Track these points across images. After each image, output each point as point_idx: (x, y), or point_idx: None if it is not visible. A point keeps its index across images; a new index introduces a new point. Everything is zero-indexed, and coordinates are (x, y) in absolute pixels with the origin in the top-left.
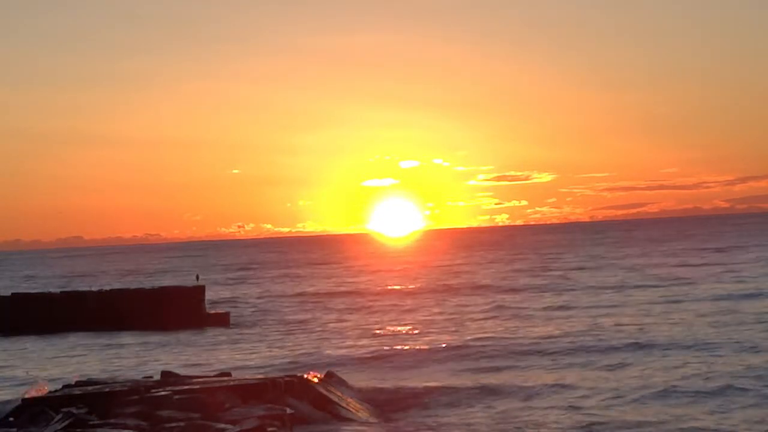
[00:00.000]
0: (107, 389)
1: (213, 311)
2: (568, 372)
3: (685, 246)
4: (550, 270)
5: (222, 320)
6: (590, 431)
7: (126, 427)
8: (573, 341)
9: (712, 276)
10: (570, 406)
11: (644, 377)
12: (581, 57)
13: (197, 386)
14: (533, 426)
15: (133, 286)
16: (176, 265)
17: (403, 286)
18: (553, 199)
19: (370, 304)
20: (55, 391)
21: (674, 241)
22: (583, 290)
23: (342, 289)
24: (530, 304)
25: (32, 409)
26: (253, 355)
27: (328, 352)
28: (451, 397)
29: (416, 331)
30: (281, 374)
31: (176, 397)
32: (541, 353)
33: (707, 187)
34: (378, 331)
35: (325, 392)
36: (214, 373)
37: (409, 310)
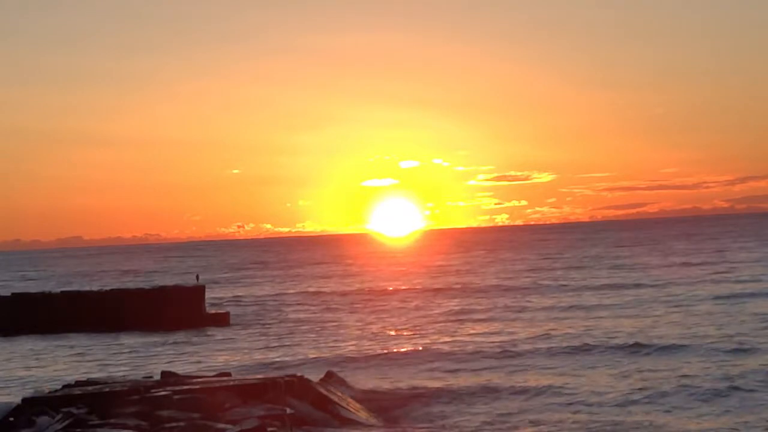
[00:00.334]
0: (107, 389)
1: (213, 311)
2: (569, 373)
3: (685, 246)
4: (550, 270)
5: (222, 320)
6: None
7: (126, 427)
8: (574, 342)
9: (713, 276)
10: (571, 407)
11: (645, 379)
12: (581, 57)
13: (197, 386)
14: (534, 425)
15: (133, 286)
16: (176, 265)
17: (403, 287)
18: (553, 199)
19: (371, 304)
20: (55, 391)
21: (674, 241)
22: (583, 290)
23: (342, 289)
24: (531, 305)
25: (32, 409)
26: (253, 355)
27: (328, 352)
28: (451, 397)
29: (416, 332)
30: (281, 374)
31: (176, 397)
32: (542, 354)
33: (707, 187)
34: (378, 332)
35: (325, 392)
36: (214, 373)
37: (410, 311)
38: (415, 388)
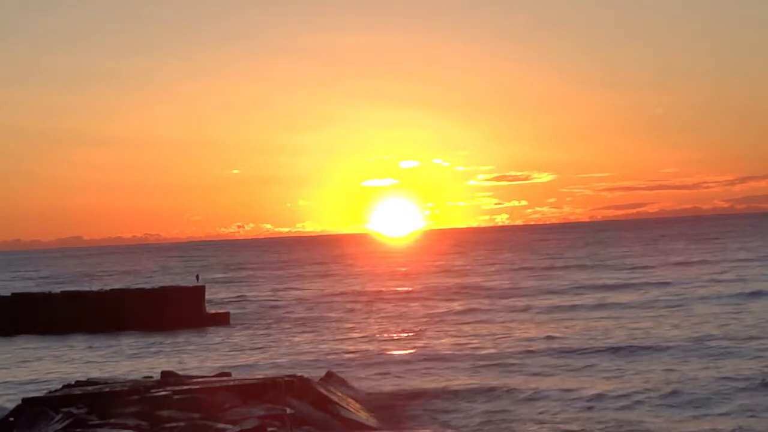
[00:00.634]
0: (107, 389)
1: (213, 311)
2: (570, 373)
3: (685, 246)
4: (550, 270)
5: (222, 320)
6: None
7: (126, 427)
8: (575, 342)
9: (713, 276)
10: (572, 408)
11: (648, 380)
12: (581, 57)
13: (197, 386)
14: (535, 426)
15: (133, 286)
16: (176, 265)
17: (403, 287)
18: (553, 199)
19: (371, 304)
20: (55, 391)
21: (674, 240)
22: (584, 291)
23: (342, 289)
24: (532, 305)
25: (32, 409)
26: (253, 355)
27: (328, 352)
28: (451, 397)
29: (416, 332)
30: (281, 374)
31: (176, 397)
32: (543, 354)
33: (707, 187)
34: (378, 332)
35: (325, 392)
36: (214, 373)
37: (410, 311)
38: (415, 388)
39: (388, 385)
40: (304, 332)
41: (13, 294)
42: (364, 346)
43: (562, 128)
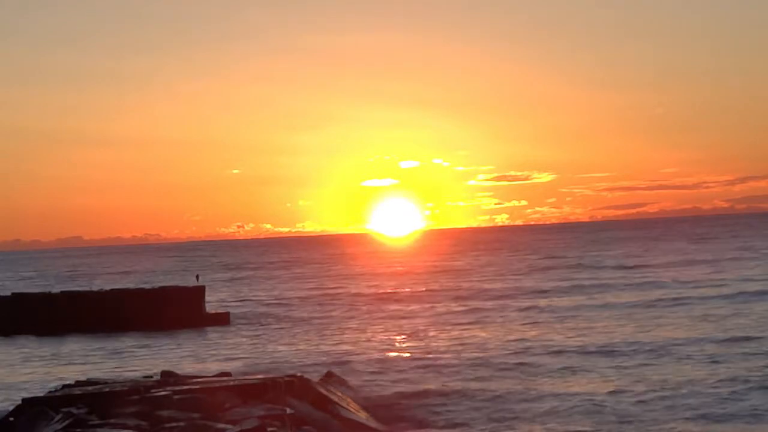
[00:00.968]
0: (107, 389)
1: (213, 311)
2: (571, 374)
3: (686, 245)
4: (550, 270)
5: (222, 320)
6: None
7: (126, 427)
8: (574, 344)
9: (713, 276)
10: (573, 410)
11: (652, 382)
12: (581, 57)
13: (197, 386)
14: (537, 427)
15: (133, 286)
16: (176, 265)
17: (403, 288)
18: (553, 199)
19: (371, 304)
20: (55, 391)
21: (675, 240)
22: (586, 291)
23: (342, 289)
24: (533, 305)
25: (32, 409)
26: (253, 355)
27: (328, 352)
28: (452, 398)
29: (417, 332)
30: (281, 374)
31: (176, 397)
32: (545, 355)
33: (707, 187)
34: (378, 332)
35: (325, 392)
36: (214, 373)
37: (410, 312)
38: (415, 388)
39: (388, 386)
40: (304, 332)
41: (13, 294)
42: (364, 346)
43: (562, 128)
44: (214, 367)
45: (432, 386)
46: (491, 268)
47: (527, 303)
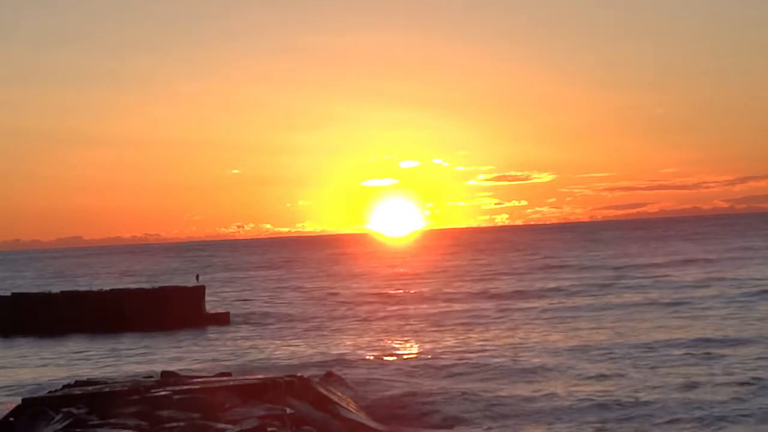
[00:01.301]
0: (107, 389)
1: (213, 311)
2: (573, 376)
3: (685, 246)
4: (550, 270)
5: (222, 320)
6: None
7: (126, 427)
8: (575, 345)
9: (713, 276)
10: (575, 411)
11: (654, 382)
12: (582, 57)
13: (197, 386)
14: (539, 425)
15: (133, 286)
16: (176, 265)
17: (404, 288)
18: (553, 199)
19: (371, 304)
20: (55, 391)
21: (675, 240)
22: (584, 292)
23: (342, 289)
24: (534, 306)
25: (32, 409)
26: (253, 355)
27: (328, 352)
28: (452, 399)
29: (418, 333)
30: (281, 374)
31: (176, 397)
32: (547, 357)
33: (707, 187)
34: (379, 332)
35: (325, 392)
36: (214, 373)
37: (411, 312)
38: (416, 388)
39: (388, 385)
40: (304, 332)
41: (13, 294)
42: (364, 346)
43: (562, 128)
44: (214, 367)
45: (432, 386)
46: (491, 268)
47: (528, 303)
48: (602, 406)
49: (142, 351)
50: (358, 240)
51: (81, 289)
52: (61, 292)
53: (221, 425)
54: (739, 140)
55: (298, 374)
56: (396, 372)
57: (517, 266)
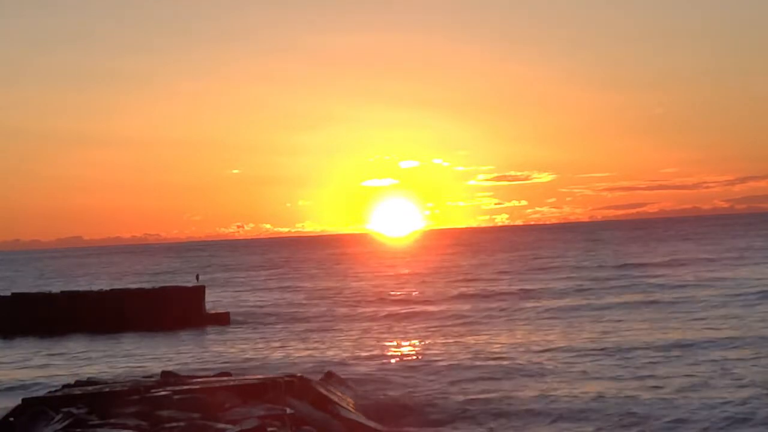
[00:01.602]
0: (107, 389)
1: (213, 311)
2: (575, 377)
3: (685, 246)
4: (550, 271)
5: (222, 320)
6: None
7: (126, 427)
8: (576, 346)
9: (714, 276)
10: (577, 414)
11: (656, 383)
12: (582, 57)
13: (197, 386)
14: (540, 426)
15: (133, 286)
16: (175, 265)
17: (405, 288)
18: (553, 199)
19: (372, 305)
20: (55, 391)
21: (674, 240)
22: (584, 293)
23: (343, 289)
24: (534, 306)
25: (32, 409)
26: (253, 355)
27: (328, 352)
28: (452, 399)
29: (418, 334)
30: (281, 374)
31: (176, 397)
32: (549, 359)
33: (707, 187)
34: (379, 332)
35: (325, 392)
36: (214, 373)
37: (412, 312)
38: (416, 388)
39: (388, 385)
40: (304, 332)
41: (13, 294)
42: (364, 347)
43: (562, 128)
44: (214, 367)
45: (433, 387)
46: (491, 268)
47: (528, 304)
48: (603, 408)
49: (142, 351)
50: (358, 240)
51: (81, 289)
52: (61, 292)
53: (221, 425)
54: (739, 140)
55: (298, 374)
56: (396, 372)
57: (517, 266)
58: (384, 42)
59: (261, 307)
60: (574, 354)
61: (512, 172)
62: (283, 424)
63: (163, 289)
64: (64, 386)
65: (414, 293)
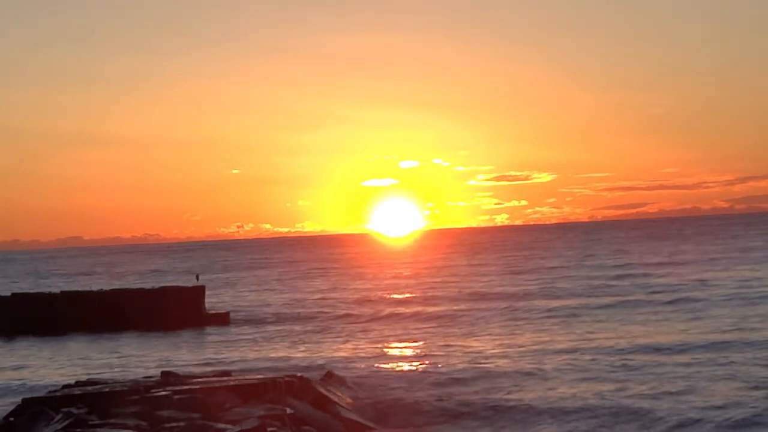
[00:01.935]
0: (107, 389)
1: (213, 311)
2: (572, 382)
3: (685, 246)
4: (550, 271)
5: (222, 320)
6: None
7: (126, 427)
8: (576, 347)
9: (714, 276)
10: (576, 413)
11: (656, 384)
12: (581, 57)
13: (197, 386)
14: (541, 426)
15: (133, 286)
16: (175, 265)
17: (405, 289)
18: (553, 199)
19: (372, 305)
20: (55, 391)
21: (674, 240)
22: (585, 293)
23: (343, 289)
24: (536, 307)
25: (32, 409)
26: (253, 355)
27: (328, 352)
28: (452, 399)
29: (419, 335)
30: (281, 374)
31: (176, 397)
32: (550, 362)
33: (707, 187)
34: (379, 333)
35: (325, 392)
36: (214, 372)
37: (413, 314)
38: (416, 389)
39: (388, 386)
40: (304, 332)
41: (13, 294)
42: (365, 347)
43: (562, 128)
44: (214, 366)
45: (432, 387)
46: (491, 268)
47: (528, 304)
48: (604, 408)
49: (142, 351)
50: (358, 240)
51: (81, 289)
52: (61, 292)
53: (221, 425)
54: (739, 140)
55: (298, 374)
56: (396, 372)
57: (516, 267)
58: (384, 42)
59: (261, 307)
60: (574, 354)
61: (512, 172)
62: (283, 424)
63: (163, 289)
64: (64, 386)
65: (414, 293)
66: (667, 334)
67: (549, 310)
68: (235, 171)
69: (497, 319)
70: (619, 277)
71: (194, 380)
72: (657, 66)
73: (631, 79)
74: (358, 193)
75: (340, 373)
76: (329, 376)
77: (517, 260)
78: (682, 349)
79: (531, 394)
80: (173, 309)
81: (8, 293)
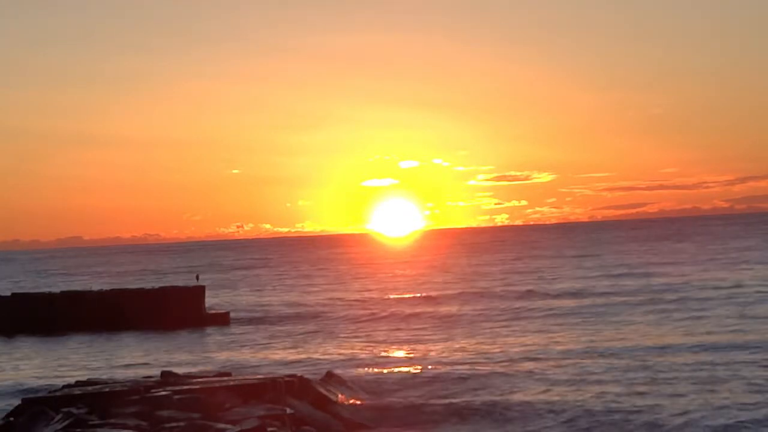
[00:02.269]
0: (107, 389)
1: (213, 311)
2: (573, 384)
3: (685, 246)
4: (550, 271)
5: (222, 320)
6: None
7: (126, 427)
8: (577, 348)
9: (714, 276)
10: (576, 414)
11: (658, 384)
12: (581, 57)
13: (197, 386)
14: (542, 427)
15: (133, 286)
16: (175, 265)
17: (405, 289)
18: (553, 199)
19: (372, 305)
20: (55, 391)
21: (674, 240)
22: (585, 294)
23: (343, 290)
24: (536, 307)
25: (32, 409)
26: (253, 355)
27: (328, 352)
28: (451, 399)
29: (418, 335)
30: (281, 374)
31: (176, 397)
32: (550, 363)
33: (707, 187)
34: (379, 333)
35: (325, 392)
36: (214, 372)
37: (413, 313)
38: (416, 389)
39: (388, 386)
40: (304, 332)
41: (13, 294)
42: (365, 347)
43: (562, 128)
44: (214, 366)
45: (432, 388)
46: (491, 269)
47: (528, 304)
48: (605, 409)
49: (141, 351)
50: (358, 240)
51: (81, 289)
52: (61, 292)
53: (221, 425)
54: (739, 140)
55: (298, 374)
56: (396, 373)
57: (516, 267)
58: (384, 42)
59: (261, 307)
60: (575, 354)
61: (512, 172)
62: (283, 424)
63: (163, 289)
64: (64, 386)
65: (414, 294)
66: (667, 334)
67: (549, 310)
68: (235, 171)
69: (497, 318)
70: (619, 277)
71: (194, 380)
72: (657, 66)
73: (631, 79)
74: (358, 193)
75: (340, 373)
76: (329, 376)
77: (517, 260)
78: (683, 349)
79: (531, 394)
80: (173, 309)
81: (8, 293)
